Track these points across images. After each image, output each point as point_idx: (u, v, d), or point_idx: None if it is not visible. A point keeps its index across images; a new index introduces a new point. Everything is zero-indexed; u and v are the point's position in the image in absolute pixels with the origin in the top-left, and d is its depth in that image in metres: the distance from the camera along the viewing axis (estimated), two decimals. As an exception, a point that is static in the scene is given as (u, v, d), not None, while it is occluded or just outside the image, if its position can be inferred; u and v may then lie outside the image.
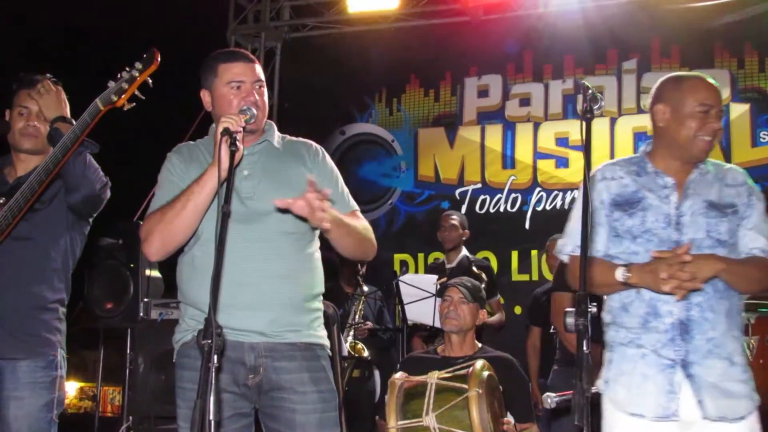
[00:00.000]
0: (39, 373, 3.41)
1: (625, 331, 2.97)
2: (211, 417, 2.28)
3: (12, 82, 3.62)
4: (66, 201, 3.47)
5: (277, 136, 3.19)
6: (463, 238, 6.90)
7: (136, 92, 3.21)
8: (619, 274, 2.85)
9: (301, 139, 3.29)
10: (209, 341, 2.31)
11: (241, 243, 2.93)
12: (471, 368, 3.72)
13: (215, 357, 2.31)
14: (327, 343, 3.13)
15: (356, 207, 3.22)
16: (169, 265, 3.18)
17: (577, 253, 2.92)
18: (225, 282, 2.80)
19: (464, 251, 6.91)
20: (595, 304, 2.30)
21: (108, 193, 3.54)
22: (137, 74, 3.17)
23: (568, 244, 3.11)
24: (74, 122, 3.32)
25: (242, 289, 2.92)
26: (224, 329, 2.83)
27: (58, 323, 3.55)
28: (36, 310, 3.45)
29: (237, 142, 2.71)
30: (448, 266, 6.76)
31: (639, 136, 8.03)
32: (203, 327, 2.34)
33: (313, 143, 3.26)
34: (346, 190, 3.23)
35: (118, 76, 3.19)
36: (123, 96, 3.19)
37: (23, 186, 3.28)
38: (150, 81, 3.22)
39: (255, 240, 2.98)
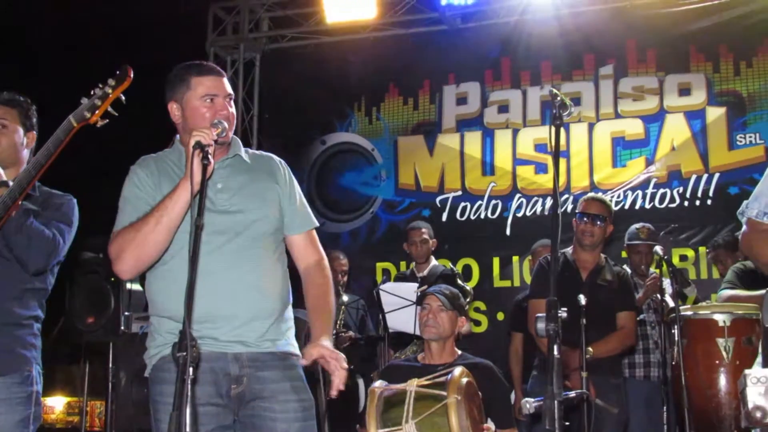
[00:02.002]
0: (14, 388, 3.39)
1: None
2: (188, 430, 2.29)
3: None
4: None
5: (243, 149, 3.22)
6: (432, 249, 6.92)
7: (109, 109, 3.21)
8: None
9: (264, 153, 3.34)
10: (184, 353, 2.31)
11: (219, 255, 2.96)
12: (450, 375, 3.74)
13: (191, 369, 2.32)
14: (299, 353, 3.16)
15: (315, 223, 3.29)
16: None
17: (761, 219, 2.85)
18: (206, 293, 2.83)
19: (433, 260, 6.93)
20: (565, 309, 2.33)
21: (64, 249, 3.51)
22: (110, 91, 3.16)
23: (753, 208, 2.93)
24: (10, 184, 3.31)
25: (224, 300, 2.94)
26: (207, 340, 2.88)
27: (33, 339, 3.53)
28: (10, 326, 3.44)
29: (209, 156, 2.73)
30: (419, 275, 6.78)
31: (617, 141, 8.10)
32: (178, 339, 2.35)
33: (276, 157, 3.31)
34: (306, 206, 3.29)
35: (91, 93, 3.19)
36: (96, 113, 3.18)
37: None
38: (123, 98, 3.22)
39: (233, 251, 3.00)
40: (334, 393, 2.96)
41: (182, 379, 2.30)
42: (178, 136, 3.19)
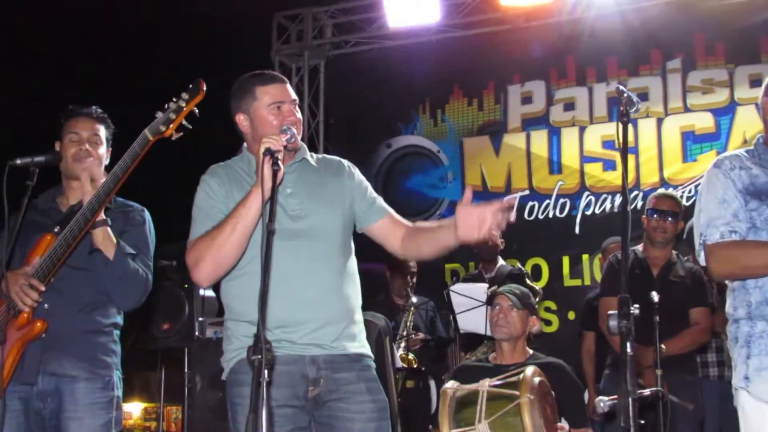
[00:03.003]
0: (97, 393, 3.51)
1: (764, 324, 2.91)
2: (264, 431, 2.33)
3: (60, 115, 3.70)
4: None
5: (308, 153, 3.27)
6: (500, 248, 6.90)
7: (184, 122, 3.29)
8: None
9: (331, 156, 3.39)
10: (259, 356, 2.36)
11: (294, 260, 3.00)
12: (522, 375, 3.74)
13: (266, 372, 2.36)
14: (371, 354, 3.19)
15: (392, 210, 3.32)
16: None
17: (728, 238, 2.93)
18: (282, 298, 2.91)
19: (501, 260, 6.91)
20: (637, 306, 2.32)
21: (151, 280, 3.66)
22: (184, 104, 3.24)
23: (713, 233, 3.00)
24: (109, 222, 3.46)
25: (300, 305, 2.99)
26: (284, 343, 2.93)
27: (114, 345, 3.66)
28: (92, 333, 3.56)
29: (279, 162, 2.78)
30: (487, 276, 6.76)
31: (687, 136, 7.97)
32: (253, 343, 2.39)
33: (342, 159, 3.35)
34: (379, 197, 3.32)
35: (165, 106, 3.27)
36: (171, 126, 3.26)
37: (77, 215, 3.38)
38: (196, 111, 3.29)
39: (308, 256, 3.04)
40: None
41: (258, 382, 2.34)
42: (245, 144, 3.25)
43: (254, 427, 2.29)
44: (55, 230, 3.48)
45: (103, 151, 3.68)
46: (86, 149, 3.61)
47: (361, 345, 3.14)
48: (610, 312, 2.34)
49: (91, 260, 3.48)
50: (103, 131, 3.69)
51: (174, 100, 3.26)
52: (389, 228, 3.26)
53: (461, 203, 2.92)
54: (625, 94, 2.63)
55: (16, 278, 3.39)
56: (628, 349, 2.25)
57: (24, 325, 3.41)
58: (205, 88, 3.24)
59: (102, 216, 3.42)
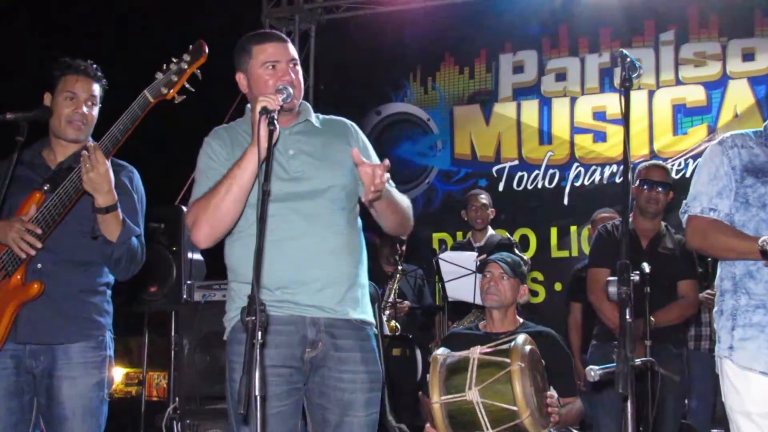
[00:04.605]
0: (90, 353, 3.48)
1: (747, 298, 3.04)
2: (257, 392, 2.32)
3: (54, 66, 3.55)
4: None
5: (313, 114, 3.22)
6: (491, 217, 6.90)
7: (186, 84, 3.22)
8: (762, 243, 2.87)
9: (336, 117, 3.34)
10: (253, 318, 2.34)
11: (298, 220, 2.98)
12: (513, 342, 3.72)
13: (259, 334, 2.34)
14: (374, 321, 3.18)
15: (392, 183, 3.25)
16: (213, 248, 3.21)
17: (707, 215, 3.12)
18: (285, 259, 2.92)
19: (490, 230, 6.91)
20: (637, 272, 2.30)
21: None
22: (186, 66, 3.17)
23: (695, 206, 3.19)
24: (119, 206, 3.35)
25: (303, 266, 2.97)
26: (287, 304, 2.94)
27: (107, 305, 3.62)
28: (85, 293, 3.52)
29: (275, 121, 2.73)
30: (476, 245, 6.75)
31: (678, 108, 7.96)
32: (247, 304, 2.37)
33: (348, 121, 3.31)
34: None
35: (165, 67, 3.20)
36: (173, 89, 3.21)
37: (72, 174, 3.30)
38: (199, 73, 3.22)
39: (311, 217, 3.01)
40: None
41: (252, 343, 2.33)
42: (249, 105, 3.21)
43: (247, 388, 2.27)
44: (45, 188, 3.39)
45: (96, 111, 3.58)
46: (82, 113, 3.50)
47: (363, 311, 3.12)
48: (609, 279, 2.32)
49: (87, 222, 3.41)
50: (98, 90, 3.57)
51: (174, 61, 3.19)
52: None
53: (359, 164, 2.91)
54: (628, 59, 2.59)
55: (10, 225, 3.28)
56: (628, 316, 2.24)
57: (17, 286, 3.35)
58: (207, 50, 3.18)
59: (114, 198, 3.30)
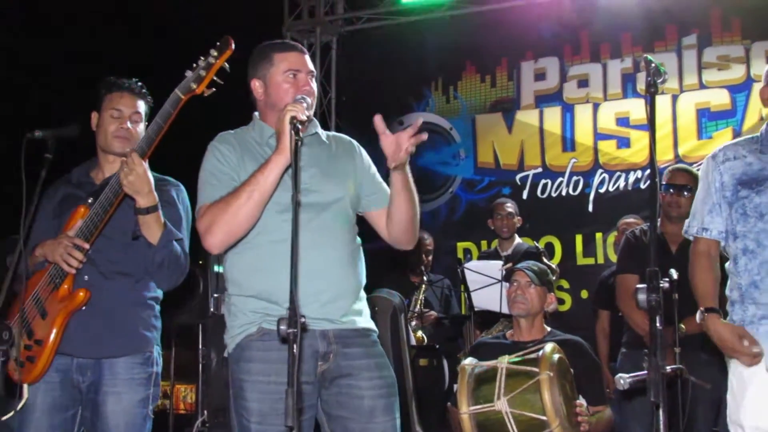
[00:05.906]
0: (136, 369, 3.49)
1: (755, 308, 3.10)
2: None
3: (100, 86, 3.63)
4: None
5: (319, 128, 3.25)
6: (518, 225, 6.88)
7: (215, 78, 3.22)
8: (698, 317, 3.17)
9: (341, 134, 3.38)
10: (294, 330, 2.33)
11: (305, 233, 2.96)
12: (541, 352, 3.71)
13: (295, 346, 2.34)
14: (376, 329, 3.19)
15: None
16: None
17: (701, 235, 3.28)
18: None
19: (517, 238, 6.88)
20: (666, 279, 2.28)
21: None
22: (213, 60, 3.16)
23: (693, 226, 3.38)
24: (159, 208, 3.37)
25: (311, 278, 2.95)
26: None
27: (155, 320, 3.62)
28: (134, 306, 3.53)
29: (300, 132, 2.73)
30: (503, 254, 6.72)
31: (702, 113, 7.89)
32: (287, 316, 2.36)
33: (351, 139, 3.34)
34: (384, 183, 3.29)
35: (194, 65, 3.22)
36: (202, 83, 3.21)
37: (111, 181, 3.33)
38: (227, 66, 3.22)
39: (318, 229, 3.02)
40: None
41: (293, 355, 2.32)
42: (257, 113, 3.22)
43: (294, 402, 2.27)
44: (89, 201, 3.43)
45: (142, 128, 3.60)
46: (127, 128, 3.56)
47: (366, 320, 3.14)
48: (638, 286, 2.31)
49: (131, 234, 3.43)
50: (143, 107, 3.63)
51: (202, 58, 3.20)
52: (384, 218, 3.24)
53: (381, 134, 2.95)
54: (653, 64, 2.58)
55: (58, 242, 3.34)
56: (658, 324, 2.22)
57: (65, 296, 3.38)
58: (233, 45, 3.19)
59: (154, 199, 3.32)
